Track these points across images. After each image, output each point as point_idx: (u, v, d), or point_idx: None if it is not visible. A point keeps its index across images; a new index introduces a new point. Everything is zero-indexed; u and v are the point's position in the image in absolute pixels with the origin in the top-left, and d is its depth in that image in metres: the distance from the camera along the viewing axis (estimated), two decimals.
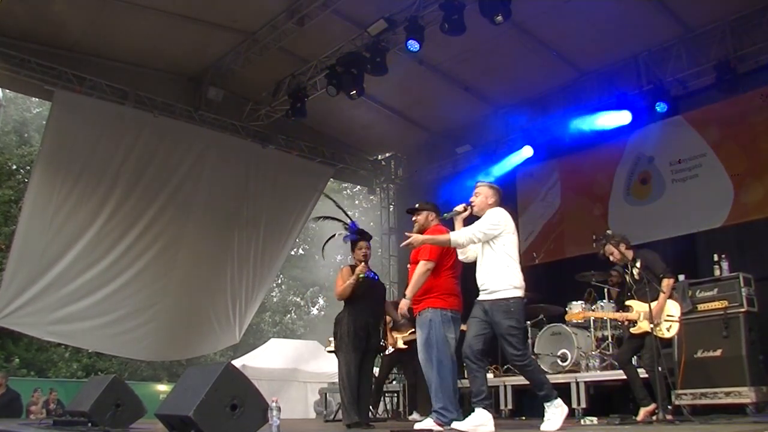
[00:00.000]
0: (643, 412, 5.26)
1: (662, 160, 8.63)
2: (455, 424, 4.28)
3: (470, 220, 4.62)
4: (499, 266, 4.38)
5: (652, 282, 5.27)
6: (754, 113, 7.79)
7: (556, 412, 4.27)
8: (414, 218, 5.06)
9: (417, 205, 5.10)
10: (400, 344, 7.30)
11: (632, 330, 5.41)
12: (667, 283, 5.30)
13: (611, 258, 5.61)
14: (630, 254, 5.54)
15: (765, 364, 5.62)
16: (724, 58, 7.74)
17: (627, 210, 8.82)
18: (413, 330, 7.27)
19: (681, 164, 8.42)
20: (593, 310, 7.25)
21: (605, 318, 6.81)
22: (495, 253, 4.40)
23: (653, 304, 5.19)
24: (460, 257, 4.68)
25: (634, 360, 5.65)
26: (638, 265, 5.45)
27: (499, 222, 4.42)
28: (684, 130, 8.43)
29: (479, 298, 4.49)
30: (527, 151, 9.62)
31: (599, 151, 9.19)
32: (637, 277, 5.43)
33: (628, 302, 5.50)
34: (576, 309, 7.28)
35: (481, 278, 4.48)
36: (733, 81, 7.71)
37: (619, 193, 9.00)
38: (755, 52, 7.70)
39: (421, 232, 4.87)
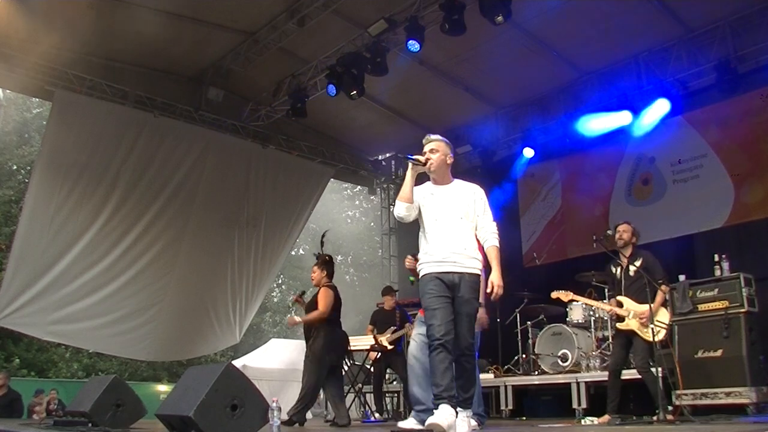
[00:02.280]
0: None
1: (663, 160, 8.64)
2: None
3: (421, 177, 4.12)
4: (473, 239, 3.99)
5: (653, 282, 5.28)
6: (754, 113, 7.80)
7: (465, 420, 3.80)
8: None
9: None
10: (386, 344, 7.33)
11: (619, 325, 5.46)
12: (665, 289, 5.35)
13: (619, 237, 5.58)
14: (630, 250, 5.55)
15: (765, 364, 5.62)
16: (724, 58, 7.73)
17: (628, 210, 8.81)
18: (394, 328, 7.38)
19: (682, 165, 8.43)
20: (594, 311, 7.27)
21: (595, 307, 6.79)
22: (473, 228, 4.01)
23: (646, 307, 5.26)
24: (402, 213, 4.01)
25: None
26: (638, 263, 5.47)
27: None
28: (685, 131, 8.44)
29: (443, 269, 3.89)
30: (528, 153, 9.63)
31: (600, 152, 9.20)
32: (632, 274, 5.45)
33: (620, 298, 5.50)
34: (577, 309, 7.30)
35: (457, 246, 3.91)
36: (733, 81, 7.71)
37: (620, 194, 9.01)
38: (755, 52, 7.70)
39: None
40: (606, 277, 5.91)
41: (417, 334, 4.92)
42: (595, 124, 8.74)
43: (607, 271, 5.83)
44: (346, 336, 6.12)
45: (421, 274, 3.97)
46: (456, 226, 3.94)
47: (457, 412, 3.75)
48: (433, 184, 4.12)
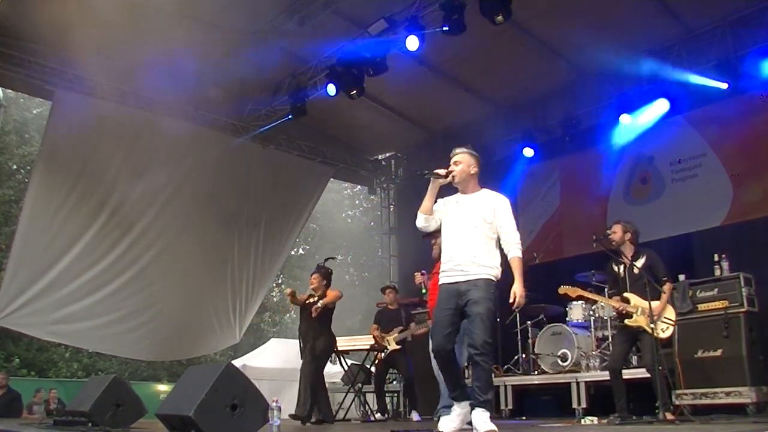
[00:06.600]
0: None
1: (662, 159, 8.65)
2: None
3: (449, 190, 4.29)
4: (488, 247, 4.10)
5: (652, 281, 5.26)
6: (754, 113, 7.80)
7: (484, 414, 3.84)
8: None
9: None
10: (393, 345, 7.32)
11: (628, 321, 5.35)
12: (669, 286, 5.31)
13: (611, 235, 5.55)
14: (631, 248, 5.50)
15: (765, 364, 5.63)
16: (724, 58, 7.74)
17: (627, 209, 8.81)
18: (401, 329, 7.36)
19: (681, 164, 8.44)
20: (593, 311, 7.27)
21: (602, 303, 6.68)
22: (488, 236, 4.12)
23: (654, 304, 5.16)
24: (420, 224, 4.26)
25: (635, 360, 5.66)
26: (640, 262, 5.40)
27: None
28: (684, 130, 8.44)
29: (451, 280, 4.07)
30: (528, 153, 9.63)
31: (599, 151, 9.20)
32: (636, 271, 5.37)
33: (627, 294, 5.41)
34: (576, 309, 7.31)
35: (466, 254, 4.05)
36: (733, 81, 7.71)
37: (619, 193, 9.02)
38: (755, 52, 7.68)
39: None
40: (607, 275, 5.84)
41: None
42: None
43: (608, 270, 5.74)
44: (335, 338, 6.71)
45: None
46: (470, 235, 4.09)
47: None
48: (460, 194, 4.30)
